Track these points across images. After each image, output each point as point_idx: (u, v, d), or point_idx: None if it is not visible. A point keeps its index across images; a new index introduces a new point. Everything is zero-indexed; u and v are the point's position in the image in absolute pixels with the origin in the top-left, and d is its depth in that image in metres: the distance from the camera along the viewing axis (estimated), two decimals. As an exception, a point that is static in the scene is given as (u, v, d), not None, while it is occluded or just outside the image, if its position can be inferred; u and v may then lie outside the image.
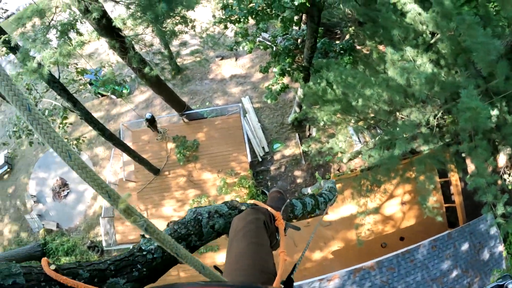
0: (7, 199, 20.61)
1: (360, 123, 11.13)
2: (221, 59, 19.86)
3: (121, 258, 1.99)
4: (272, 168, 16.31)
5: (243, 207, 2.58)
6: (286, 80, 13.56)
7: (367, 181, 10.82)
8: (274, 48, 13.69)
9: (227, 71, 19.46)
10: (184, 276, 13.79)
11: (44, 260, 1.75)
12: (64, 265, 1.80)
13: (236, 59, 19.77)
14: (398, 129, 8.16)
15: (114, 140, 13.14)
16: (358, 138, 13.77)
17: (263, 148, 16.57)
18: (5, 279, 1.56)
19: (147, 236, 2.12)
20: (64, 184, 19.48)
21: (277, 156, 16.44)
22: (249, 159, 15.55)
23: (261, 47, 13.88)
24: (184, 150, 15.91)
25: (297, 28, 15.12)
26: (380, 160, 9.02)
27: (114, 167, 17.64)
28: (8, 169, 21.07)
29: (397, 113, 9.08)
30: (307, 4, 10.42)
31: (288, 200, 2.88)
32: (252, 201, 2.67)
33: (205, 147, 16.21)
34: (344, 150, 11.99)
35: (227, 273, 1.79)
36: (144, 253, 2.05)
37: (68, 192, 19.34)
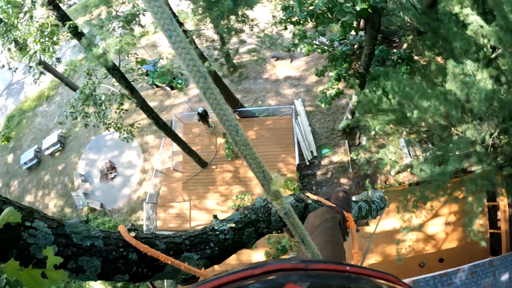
0: (56, 175, 21.66)
1: (413, 135, 10.90)
2: (277, 60, 19.91)
3: (195, 235, 2.02)
4: (318, 173, 16.19)
5: (309, 201, 2.57)
6: (341, 85, 13.41)
7: (414, 196, 10.57)
8: (331, 52, 13.60)
9: (282, 72, 19.49)
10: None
11: (122, 227, 1.79)
12: (141, 234, 1.81)
13: (291, 61, 19.76)
14: (452, 145, 7.94)
15: (166, 129, 13.45)
16: (409, 151, 13.46)
17: (311, 152, 16.48)
18: (84, 240, 1.59)
19: (235, 212, 2.29)
20: (112, 167, 20.15)
21: (324, 162, 16.31)
22: (297, 162, 15.51)
23: (318, 51, 13.80)
24: (233, 147, 16.00)
25: (354, 33, 14.94)
26: (430, 176, 8.79)
27: (163, 156, 18.03)
28: (60, 148, 22.21)
29: (452, 129, 8.82)
30: (369, 10, 10.28)
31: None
32: (315, 197, 2.67)
33: (254, 145, 15.93)
34: (394, 162, 11.77)
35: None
36: (217, 233, 2.09)
37: (115, 175, 19.98)
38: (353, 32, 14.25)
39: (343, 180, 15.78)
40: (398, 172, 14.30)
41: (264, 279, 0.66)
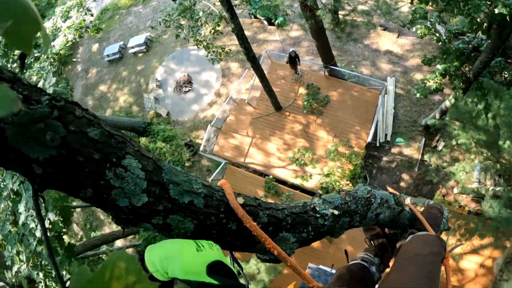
0: (133, 74, 22.57)
1: (492, 164, 10.34)
2: (384, 30, 18.93)
3: (297, 212, 1.78)
4: (384, 158, 15.80)
5: (406, 208, 2.44)
6: (442, 81, 12.71)
7: (468, 225, 10.21)
8: (447, 45, 12.80)
9: (384, 44, 18.61)
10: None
11: (228, 186, 1.55)
12: (246, 200, 1.58)
13: (398, 36, 18.75)
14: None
15: (254, 63, 13.37)
16: (479, 177, 12.79)
17: (385, 135, 16.00)
18: (182, 195, 1.34)
19: (324, 196, 2.02)
20: (189, 81, 20.55)
21: (394, 150, 15.84)
22: (368, 140, 15.15)
23: (434, 37, 13.05)
24: (313, 101, 15.88)
25: (474, 34, 13.92)
26: (496, 216, 8.40)
27: (241, 87, 18.13)
28: (145, 50, 22.98)
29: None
30: (507, 17, 9.48)
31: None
32: (410, 205, 2.48)
33: (333, 107, 16.04)
34: (463, 181, 11.31)
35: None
36: (318, 215, 1.85)
37: (189, 90, 20.42)
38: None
39: (405, 176, 15.34)
40: (461, 193, 13.72)
41: None
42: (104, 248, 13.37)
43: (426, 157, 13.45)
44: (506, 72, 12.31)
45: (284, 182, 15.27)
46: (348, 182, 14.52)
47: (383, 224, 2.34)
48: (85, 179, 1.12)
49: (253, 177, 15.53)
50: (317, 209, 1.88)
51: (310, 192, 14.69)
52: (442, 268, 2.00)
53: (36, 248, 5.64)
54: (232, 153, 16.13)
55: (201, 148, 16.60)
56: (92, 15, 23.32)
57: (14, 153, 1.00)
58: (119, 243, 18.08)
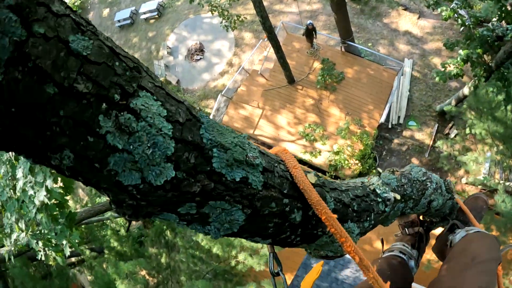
0: (144, 40, 22.20)
1: (504, 158, 10.23)
2: (405, 9, 18.51)
3: (360, 195, 1.43)
4: (395, 141, 15.67)
5: (456, 195, 2.24)
6: (463, 68, 12.48)
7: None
8: (471, 31, 12.52)
9: (404, 25, 18.22)
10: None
11: (290, 155, 1.13)
12: (318, 180, 1.20)
13: (419, 17, 18.34)
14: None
15: (271, 33, 13.10)
16: (489, 169, 12.68)
17: (398, 117, 15.82)
18: (232, 168, 0.88)
19: (388, 173, 1.72)
20: (200, 50, 20.23)
21: (406, 133, 15.70)
22: (381, 120, 14.99)
23: (458, 21, 12.75)
24: (327, 76, 15.64)
25: (500, 22, 13.61)
26: (508, 212, 8.33)
27: (254, 57, 17.84)
28: (157, 16, 22.47)
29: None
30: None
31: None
32: (458, 199, 2.22)
33: (347, 84, 15.82)
34: (473, 171, 11.21)
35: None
36: (379, 199, 1.51)
37: (201, 58, 20.11)
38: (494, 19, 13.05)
39: (415, 161, 15.26)
40: (471, 184, 13.64)
41: None
42: (109, 214, 13.32)
43: (438, 143, 13.29)
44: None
45: (292, 157, 15.11)
46: (357, 161, 14.42)
47: (433, 215, 2.17)
48: (60, 131, 0.63)
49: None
50: (378, 191, 1.54)
51: (319, 169, 14.60)
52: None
53: (36, 216, 5.48)
54: (242, 124, 15.99)
55: (211, 117, 16.38)
56: None
57: None
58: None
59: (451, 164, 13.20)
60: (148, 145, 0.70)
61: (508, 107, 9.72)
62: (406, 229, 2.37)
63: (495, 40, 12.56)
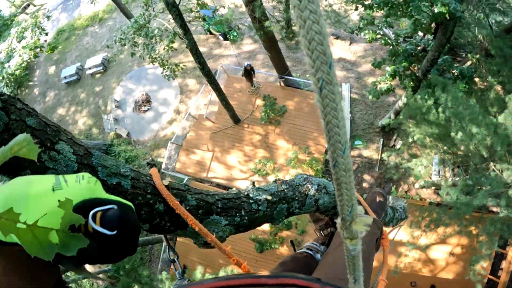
0: (92, 95, 22.34)
1: (449, 156, 10.60)
2: (336, 38, 19.37)
3: (229, 198, 1.90)
4: (344, 161, 15.96)
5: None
6: (393, 82, 13.05)
7: (430, 216, 10.38)
8: (394, 47, 13.16)
9: (338, 52, 19.01)
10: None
11: (155, 171, 1.63)
12: (173, 184, 1.67)
13: (350, 43, 19.19)
14: (485, 179, 7.69)
15: (210, 77, 13.38)
16: (439, 170, 13.10)
17: (343, 139, 16.21)
18: (111, 177, 1.46)
19: (257, 185, 2.13)
20: (147, 100, 20.44)
21: (354, 153, 16.08)
22: (327, 145, 15.20)
23: (382, 41, 13.37)
24: (270, 111, 15.99)
25: (421, 35, 14.39)
26: (454, 202, 8.56)
27: (199, 102, 18.13)
28: (102, 70, 22.80)
29: (491, 163, 8.52)
30: (447, 15, 9.83)
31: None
32: (357, 195, 2.51)
33: (290, 116, 16.18)
34: (422, 175, 11.52)
35: (326, 272, 1.73)
36: (251, 201, 1.94)
37: (148, 109, 20.28)
38: (420, 33, 13.77)
39: (367, 177, 15.58)
40: (423, 187, 14.02)
41: None
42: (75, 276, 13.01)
43: (385, 156, 13.67)
44: (453, 70, 12.70)
45: (248, 194, 15.17)
46: (311, 188, 14.56)
47: (326, 211, 2.35)
48: (24, 161, 1.18)
49: (217, 191, 15.35)
50: (251, 195, 1.98)
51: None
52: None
53: None
54: (194, 169, 16.00)
55: (163, 166, 16.40)
56: (47, 34, 23.20)
57: None
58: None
59: (400, 173, 13.54)
60: (64, 166, 1.34)
61: (439, 109, 10.12)
62: (321, 231, 2.66)
63: (419, 52, 13.23)
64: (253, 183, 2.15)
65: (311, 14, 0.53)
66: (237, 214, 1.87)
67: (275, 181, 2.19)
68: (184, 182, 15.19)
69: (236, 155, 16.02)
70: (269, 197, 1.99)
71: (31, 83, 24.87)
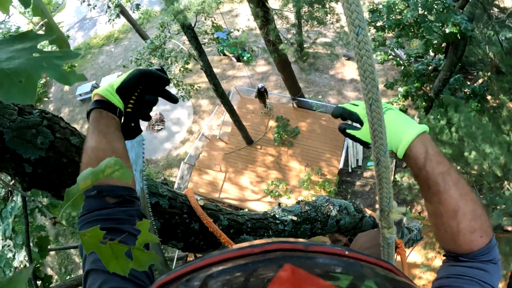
0: None
1: (462, 176, 10.49)
2: (348, 59, 19.46)
3: (257, 218, 2.00)
4: (358, 183, 15.89)
5: (366, 214, 2.51)
6: (405, 103, 13.06)
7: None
8: (406, 68, 13.21)
9: (349, 73, 19.08)
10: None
11: (190, 191, 1.72)
12: (207, 205, 1.76)
13: (362, 64, 19.29)
14: (499, 199, 7.61)
15: (223, 98, 13.53)
16: (452, 190, 12.94)
17: (357, 160, 16.13)
18: (150, 196, 1.52)
19: (284, 206, 2.22)
20: (161, 120, 20.53)
21: (367, 174, 15.97)
22: (340, 166, 15.28)
23: (393, 62, 13.45)
24: (283, 133, 16.02)
25: (432, 54, 14.42)
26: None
27: (212, 123, 18.22)
28: None
29: (506, 182, 8.42)
30: (458, 35, 9.87)
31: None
32: (370, 212, 2.57)
33: (303, 137, 16.20)
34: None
35: None
36: (277, 221, 2.05)
37: (161, 128, 20.36)
38: (431, 53, 13.81)
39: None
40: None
41: (263, 258, 0.65)
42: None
43: (398, 177, 13.56)
44: (465, 88, 12.67)
45: (260, 215, 15.11)
46: (323, 209, 14.47)
47: (346, 232, 2.40)
48: (67, 178, 1.29)
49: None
50: (277, 216, 2.08)
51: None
52: (399, 258, 2.07)
53: None
54: (207, 189, 16.00)
55: (176, 186, 16.42)
56: None
57: (9, 153, 1.20)
58: None
59: (413, 193, 13.41)
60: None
61: (452, 129, 10.09)
62: None
63: (431, 72, 13.26)
64: (279, 204, 2.25)
65: (366, 52, 0.76)
66: (265, 234, 1.97)
67: (298, 202, 2.29)
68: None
69: (248, 176, 16.02)
70: (294, 218, 2.10)
71: (46, 99, 25.25)
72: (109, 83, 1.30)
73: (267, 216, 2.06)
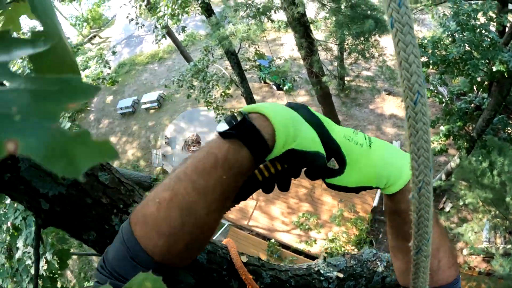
0: (144, 129, 23.14)
1: (501, 221, 9.98)
2: (388, 94, 19.14)
3: (301, 274, 1.82)
4: (390, 222, 15.39)
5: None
6: (447, 142, 12.62)
7: (480, 286, 9.68)
8: (449, 106, 12.81)
9: (389, 109, 18.74)
10: None
11: (231, 242, 1.52)
12: (250, 260, 1.59)
13: (402, 100, 18.91)
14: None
15: (262, 126, 13.45)
16: (489, 236, 12.32)
17: (392, 199, 15.69)
18: None
19: (328, 259, 2.05)
20: (197, 141, 20.71)
21: (401, 213, 15.47)
22: (375, 204, 14.79)
23: (436, 99, 13.08)
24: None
25: (476, 92, 13.98)
26: (507, 274, 7.95)
27: (247, 150, 18.16)
28: (157, 107, 23.62)
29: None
30: (506, 74, 9.49)
31: None
32: None
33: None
34: (472, 241, 10.87)
35: None
36: (322, 278, 1.88)
37: (197, 149, 20.40)
38: (474, 90, 13.40)
39: (414, 239, 14.86)
40: (471, 254, 13.19)
41: None
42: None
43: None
44: (509, 128, 12.18)
45: (287, 247, 14.74)
46: (353, 247, 14.03)
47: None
48: (91, 221, 1.15)
49: (256, 241, 15.06)
50: (322, 272, 1.92)
51: (314, 258, 14.18)
52: None
53: (28, 286, 5.46)
54: (236, 215, 15.81)
55: (205, 211, 16.34)
56: (109, 67, 24.34)
57: (24, 184, 1.04)
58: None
59: (449, 237, 12.81)
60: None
61: (494, 173, 9.65)
62: None
63: (474, 111, 12.81)
64: (324, 258, 2.09)
65: (423, 126, 0.60)
66: None
67: (343, 255, 2.14)
68: (224, 227, 15.16)
69: (279, 206, 15.73)
70: (340, 275, 1.95)
71: (88, 108, 26.04)
72: (288, 112, 0.95)
73: (311, 272, 1.89)
